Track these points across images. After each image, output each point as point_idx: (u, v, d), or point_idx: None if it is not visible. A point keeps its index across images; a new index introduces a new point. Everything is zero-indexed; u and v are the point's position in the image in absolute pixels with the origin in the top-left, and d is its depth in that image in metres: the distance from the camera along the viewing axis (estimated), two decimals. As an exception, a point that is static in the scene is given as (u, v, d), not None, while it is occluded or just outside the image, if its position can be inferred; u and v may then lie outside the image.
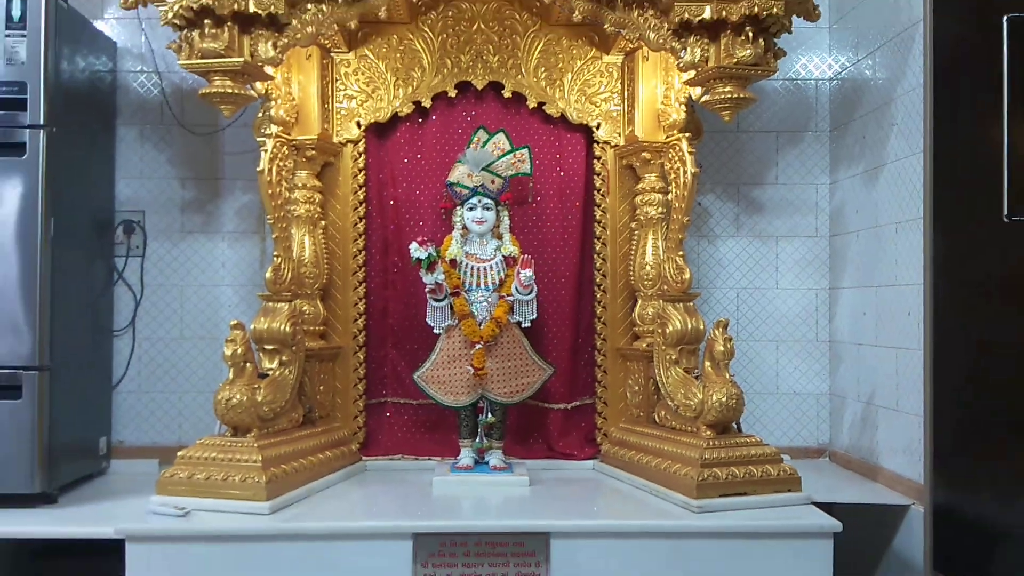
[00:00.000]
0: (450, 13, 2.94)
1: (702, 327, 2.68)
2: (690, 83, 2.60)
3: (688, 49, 2.44)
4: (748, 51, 2.38)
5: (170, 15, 2.35)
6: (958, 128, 2.30)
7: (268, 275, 2.62)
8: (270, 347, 2.61)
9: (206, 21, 2.34)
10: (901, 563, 2.56)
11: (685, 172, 2.69)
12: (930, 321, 2.40)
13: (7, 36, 2.50)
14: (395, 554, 2.22)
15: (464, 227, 2.72)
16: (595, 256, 3.03)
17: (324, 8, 2.46)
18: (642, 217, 2.92)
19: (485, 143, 2.72)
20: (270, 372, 2.58)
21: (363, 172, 3.00)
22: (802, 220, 3.23)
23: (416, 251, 2.58)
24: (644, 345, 2.84)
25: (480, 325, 2.65)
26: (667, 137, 2.82)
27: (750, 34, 2.37)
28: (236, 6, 2.32)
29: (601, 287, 3.02)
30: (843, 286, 3.11)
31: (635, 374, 2.91)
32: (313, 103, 2.85)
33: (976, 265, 2.19)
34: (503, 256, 2.70)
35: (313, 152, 2.86)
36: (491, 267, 2.69)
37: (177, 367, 3.14)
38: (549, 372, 2.75)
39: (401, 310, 2.99)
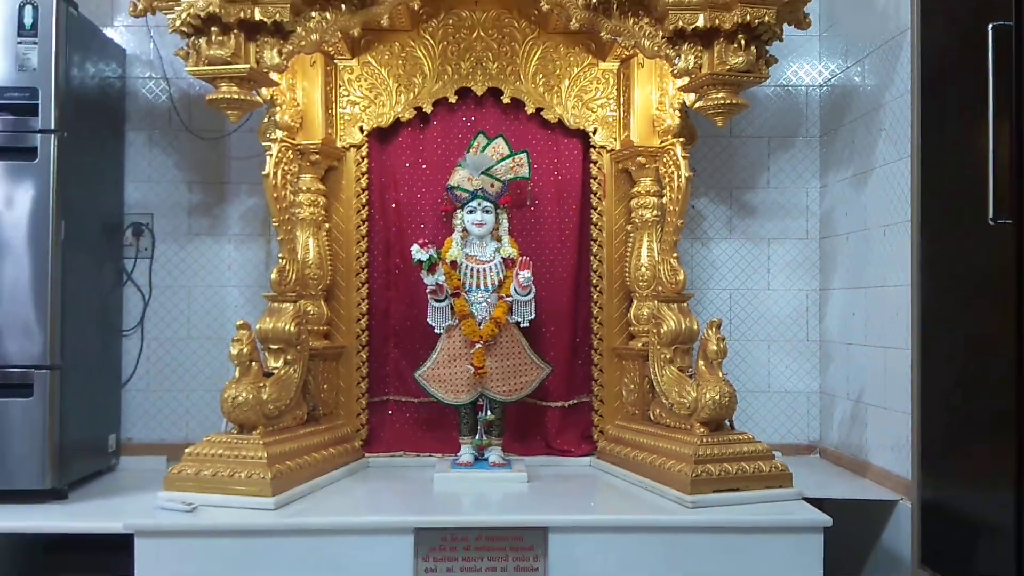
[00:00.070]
0: (451, 21, 2.95)
1: (696, 327, 2.68)
2: (684, 89, 2.60)
3: (682, 56, 2.44)
4: (740, 58, 2.39)
5: (178, 23, 2.36)
6: (945, 133, 2.30)
7: (273, 276, 2.62)
8: (275, 346, 2.61)
9: (213, 29, 2.34)
10: (889, 557, 2.56)
11: (679, 176, 2.69)
12: (917, 321, 2.40)
13: (19, 43, 2.50)
14: (397, 549, 2.22)
15: (464, 230, 2.73)
16: (592, 258, 3.03)
17: (328, 16, 2.46)
18: (637, 220, 2.92)
19: (485, 148, 2.73)
20: (275, 371, 2.58)
21: (366, 176, 3.00)
22: (793, 223, 3.23)
23: (417, 253, 2.59)
24: (639, 344, 2.84)
25: (480, 325, 2.65)
26: (662, 142, 2.82)
27: (742, 42, 2.38)
28: (242, 14, 2.32)
29: (597, 288, 3.02)
30: (833, 287, 3.11)
31: (631, 373, 2.91)
32: (317, 109, 2.85)
33: (962, 266, 2.19)
34: (502, 258, 2.71)
35: (317, 156, 2.86)
36: (490, 268, 2.70)
37: (184, 366, 3.14)
38: (547, 371, 2.75)
39: (403, 310, 2.99)
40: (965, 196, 2.12)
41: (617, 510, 2.41)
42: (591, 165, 3.02)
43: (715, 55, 2.40)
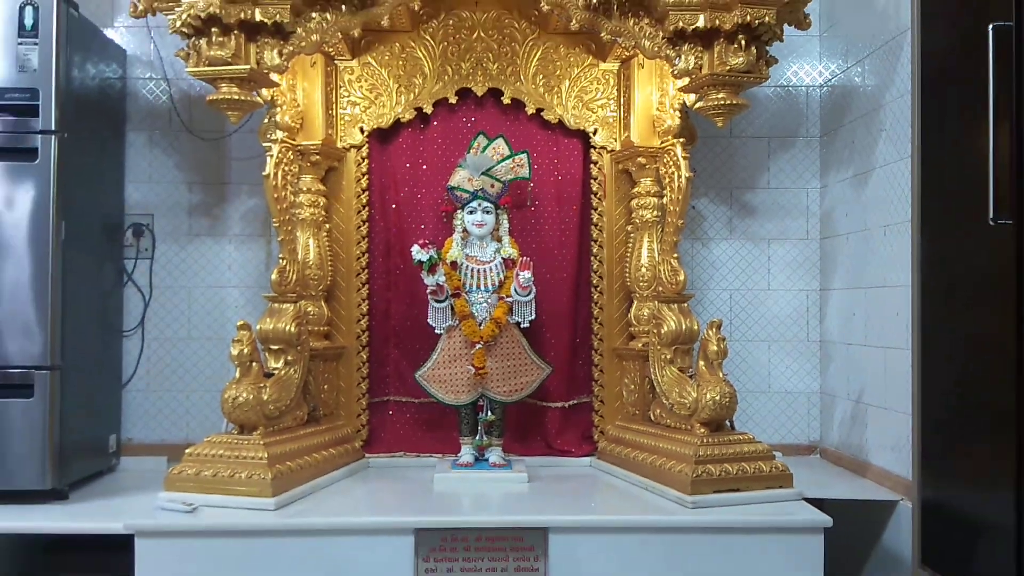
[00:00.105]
0: (451, 22, 2.95)
1: (696, 327, 2.68)
2: (684, 90, 2.60)
3: (682, 57, 2.44)
4: (741, 59, 2.38)
5: (178, 24, 2.35)
6: (945, 134, 2.30)
7: (274, 277, 2.62)
8: (276, 347, 2.61)
9: (213, 29, 2.34)
10: (890, 557, 2.56)
11: (679, 176, 2.69)
12: (918, 321, 2.40)
13: (20, 44, 2.50)
14: (397, 549, 2.22)
15: (464, 230, 2.73)
16: (592, 258, 3.03)
17: (328, 17, 2.46)
18: (638, 220, 2.92)
19: (485, 148, 2.73)
20: (276, 371, 2.58)
21: (366, 176, 3.00)
22: (793, 223, 3.23)
23: (418, 253, 2.58)
24: (640, 345, 2.84)
25: (480, 325, 2.65)
26: (662, 142, 2.82)
27: (743, 42, 2.38)
28: (243, 15, 2.32)
29: (598, 288, 3.02)
30: (833, 287, 3.11)
31: (631, 373, 2.91)
32: (318, 109, 2.85)
33: (962, 267, 2.19)
34: (502, 258, 2.71)
35: (318, 157, 2.86)
36: (491, 269, 2.69)
37: (185, 367, 3.14)
38: (547, 371, 2.75)
39: (403, 311, 2.99)
40: (965, 196, 2.12)
41: (618, 510, 2.40)
42: (591, 165, 3.02)
43: (715, 56, 2.40)
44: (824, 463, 3.08)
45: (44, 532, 2.43)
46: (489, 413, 2.69)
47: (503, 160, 2.72)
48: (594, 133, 2.97)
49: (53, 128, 2.51)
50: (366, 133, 2.96)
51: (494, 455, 2.71)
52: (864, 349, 2.83)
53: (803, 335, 3.22)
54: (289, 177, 2.74)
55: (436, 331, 2.70)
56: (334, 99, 2.94)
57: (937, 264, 2.31)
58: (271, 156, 2.64)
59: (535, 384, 2.73)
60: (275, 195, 2.62)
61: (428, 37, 2.95)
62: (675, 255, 2.72)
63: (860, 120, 2.88)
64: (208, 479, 2.35)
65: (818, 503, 2.39)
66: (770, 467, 2.45)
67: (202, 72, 2.41)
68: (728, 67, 2.39)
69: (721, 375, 2.52)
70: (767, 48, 2.48)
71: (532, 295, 2.66)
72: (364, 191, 2.99)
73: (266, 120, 2.74)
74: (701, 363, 2.56)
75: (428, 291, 2.65)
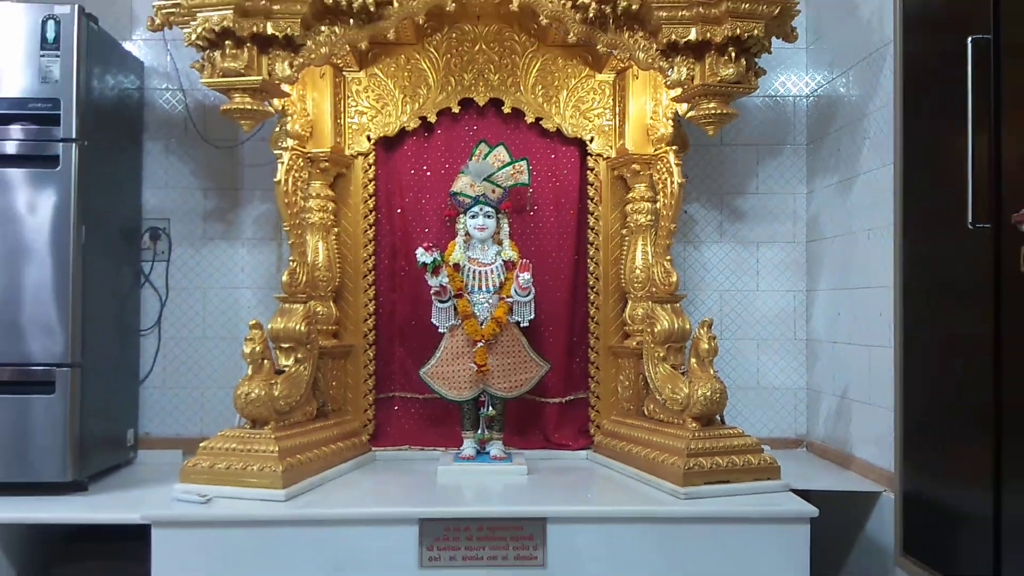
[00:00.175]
0: (454, 35, 2.95)
1: (688, 326, 2.68)
2: (677, 100, 2.60)
3: (675, 68, 2.44)
4: (731, 70, 2.39)
5: (194, 37, 2.36)
6: (926, 141, 2.30)
7: (284, 278, 2.62)
8: (286, 345, 2.61)
9: (227, 42, 2.34)
10: (873, 546, 2.56)
11: (672, 182, 2.69)
12: (900, 321, 2.40)
13: (42, 56, 2.51)
14: (402, 538, 2.22)
15: (467, 233, 2.73)
16: (588, 260, 3.03)
17: (337, 30, 2.47)
18: (632, 224, 2.92)
19: (486, 155, 2.73)
20: (286, 369, 2.58)
21: (373, 183, 3.00)
22: (781, 227, 3.23)
23: (422, 256, 2.59)
24: (634, 343, 2.84)
25: (481, 325, 2.65)
26: (655, 150, 2.82)
27: (733, 54, 2.38)
28: (255, 28, 2.33)
29: (594, 289, 3.02)
30: (819, 288, 3.11)
31: (626, 370, 2.91)
32: (326, 118, 2.86)
33: (943, 269, 2.19)
34: (503, 260, 2.71)
35: (326, 164, 2.86)
36: (492, 271, 2.70)
37: (199, 364, 3.14)
38: (546, 368, 2.75)
39: (408, 311, 2.99)
40: (945, 202, 2.12)
41: (613, 501, 2.40)
42: (588, 172, 3.02)
43: (706, 67, 2.41)
44: (810, 456, 3.08)
45: (65, 522, 2.44)
46: (490, 408, 2.70)
47: (504, 167, 2.73)
48: (591, 141, 2.98)
49: (74, 136, 2.51)
50: (373, 141, 2.96)
51: (495, 448, 2.71)
52: (849, 347, 2.83)
53: (790, 334, 3.22)
54: (299, 183, 2.75)
55: (439, 330, 2.70)
56: (342, 109, 2.94)
57: (918, 266, 2.32)
58: (282, 163, 2.64)
59: (534, 381, 2.73)
60: (286, 200, 2.62)
61: (432, 49, 2.95)
62: (668, 257, 2.72)
63: (845, 128, 2.89)
64: (222, 472, 2.35)
65: (804, 494, 2.39)
66: (758, 460, 2.45)
67: (216, 83, 2.42)
68: (719, 78, 2.39)
69: (712, 372, 2.52)
70: (756, 60, 2.48)
71: (531, 296, 2.67)
72: (371, 196, 3.00)
73: (277, 129, 2.74)
74: (693, 360, 2.56)
75: (432, 292, 2.65)
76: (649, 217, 2.88)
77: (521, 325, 2.70)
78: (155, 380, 3.12)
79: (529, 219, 2.99)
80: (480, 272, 2.69)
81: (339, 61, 2.86)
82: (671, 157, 2.70)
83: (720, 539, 2.24)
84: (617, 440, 2.79)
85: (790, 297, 3.22)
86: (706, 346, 2.52)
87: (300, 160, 2.75)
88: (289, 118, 2.71)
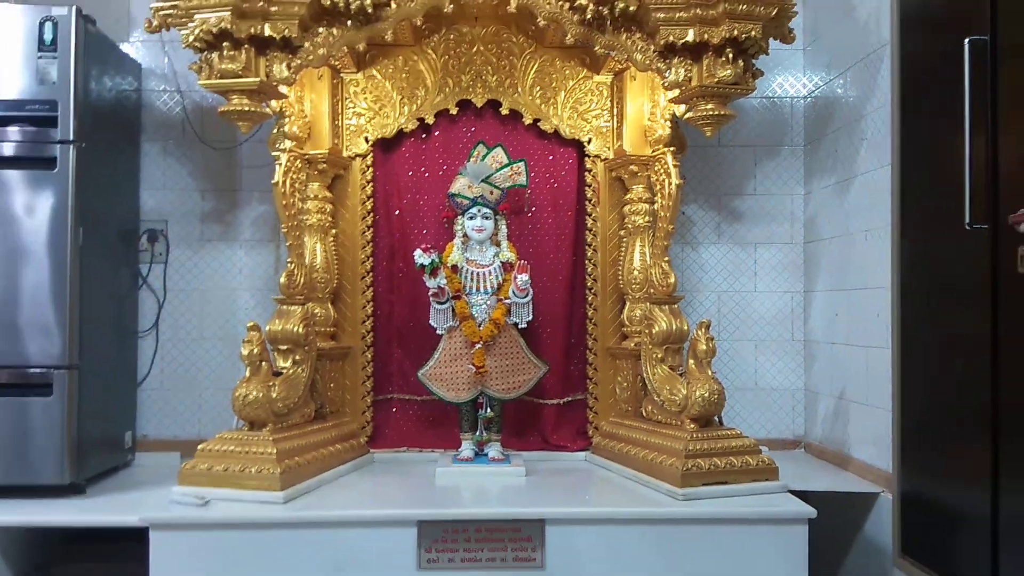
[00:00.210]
0: (451, 36, 2.94)
1: (686, 327, 2.67)
2: (674, 101, 2.60)
3: (673, 69, 2.44)
4: (728, 71, 2.39)
5: (191, 38, 2.35)
6: (923, 142, 2.30)
7: (282, 280, 2.61)
8: (284, 347, 2.60)
9: (225, 44, 2.34)
10: (871, 547, 2.56)
11: (670, 184, 2.69)
12: (897, 322, 2.40)
13: (40, 58, 2.50)
14: (401, 540, 2.22)
15: (465, 235, 2.72)
16: (587, 262, 3.02)
17: (334, 32, 2.46)
18: (630, 225, 2.92)
19: (484, 157, 2.73)
20: (284, 370, 2.57)
21: (371, 184, 2.99)
22: (778, 228, 3.23)
23: (420, 257, 2.58)
24: (632, 344, 2.84)
25: (480, 326, 2.65)
26: (653, 151, 2.82)
27: (730, 55, 2.38)
28: (253, 30, 2.32)
29: (592, 290, 3.02)
30: (817, 289, 3.11)
31: (624, 371, 2.91)
32: (324, 120, 2.85)
33: (940, 270, 2.19)
34: (501, 262, 2.71)
35: (324, 166, 2.85)
36: (490, 272, 2.69)
37: (197, 366, 3.13)
38: (544, 370, 2.75)
39: (406, 312, 2.98)
40: (943, 202, 2.12)
41: (611, 503, 2.40)
42: (586, 173, 3.02)
43: (704, 68, 2.40)
44: (808, 457, 3.08)
45: (63, 525, 2.43)
46: (488, 410, 2.69)
47: (501, 168, 2.72)
48: (588, 142, 2.97)
49: (71, 138, 2.51)
50: (370, 142, 2.95)
51: (493, 450, 2.71)
52: (846, 348, 2.83)
53: (788, 335, 3.22)
54: (297, 185, 2.74)
55: (437, 332, 2.70)
56: (340, 110, 2.93)
57: (916, 267, 2.32)
58: (280, 165, 2.63)
59: (532, 382, 2.73)
60: (284, 202, 2.61)
61: (430, 51, 2.95)
62: (666, 258, 2.71)
63: (842, 130, 2.88)
64: (220, 474, 2.34)
65: (802, 495, 2.39)
66: (756, 461, 2.45)
67: (214, 84, 2.41)
68: (716, 79, 2.39)
69: (710, 373, 2.52)
70: (753, 61, 2.48)
71: (529, 297, 2.66)
72: (369, 198, 2.99)
73: (275, 130, 2.74)
74: (691, 362, 2.56)
75: (430, 293, 2.64)
76: (647, 218, 2.88)
77: (519, 326, 2.69)
78: (153, 382, 3.11)
79: (527, 220, 2.98)
80: (478, 273, 2.69)
81: (337, 63, 2.86)
82: (669, 158, 2.70)
83: (718, 540, 2.24)
84: (615, 441, 2.78)
85: (788, 298, 3.22)
86: (704, 347, 2.52)
87: (298, 162, 2.74)
88: (287, 120, 2.71)
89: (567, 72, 2.97)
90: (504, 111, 2.94)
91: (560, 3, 2.46)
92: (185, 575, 2.18)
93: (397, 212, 3.00)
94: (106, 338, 2.80)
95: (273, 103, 2.60)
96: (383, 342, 3.01)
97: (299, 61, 2.42)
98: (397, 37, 2.80)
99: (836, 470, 2.81)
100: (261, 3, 2.31)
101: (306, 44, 2.42)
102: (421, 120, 2.94)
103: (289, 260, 2.65)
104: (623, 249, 2.96)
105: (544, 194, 3.00)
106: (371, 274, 3.00)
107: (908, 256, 2.35)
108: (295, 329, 2.57)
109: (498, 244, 2.74)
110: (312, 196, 2.86)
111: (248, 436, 2.41)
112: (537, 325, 2.89)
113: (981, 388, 1.95)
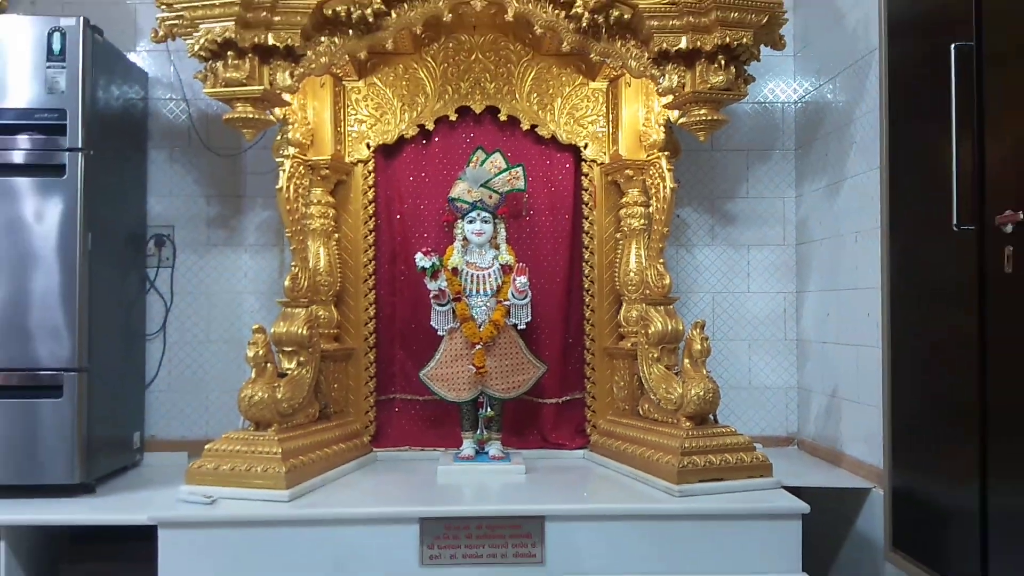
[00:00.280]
0: (451, 44, 2.95)
1: (681, 328, 2.68)
2: (668, 106, 2.61)
3: (666, 76, 2.44)
4: (721, 77, 2.39)
5: (196, 47, 2.36)
6: (911, 146, 2.30)
7: (286, 283, 2.62)
8: (289, 349, 2.60)
9: (229, 53, 2.34)
10: (863, 541, 2.56)
11: (665, 187, 2.69)
12: (887, 321, 2.41)
13: (48, 68, 2.51)
14: (403, 537, 2.22)
15: (464, 238, 2.73)
16: (584, 264, 3.03)
17: (336, 41, 2.47)
18: (626, 228, 2.92)
19: (483, 162, 2.73)
20: (289, 372, 2.57)
21: (372, 189, 3.00)
22: (771, 230, 3.23)
23: (421, 260, 2.59)
24: (629, 344, 2.84)
25: (480, 327, 2.65)
26: (648, 156, 2.83)
27: (722, 62, 2.39)
28: (257, 39, 2.33)
29: (589, 292, 3.02)
30: (808, 290, 3.12)
31: (621, 371, 2.91)
32: (327, 127, 2.86)
33: (928, 270, 2.19)
34: (500, 264, 2.71)
35: (327, 171, 2.86)
36: (489, 275, 2.69)
37: (204, 368, 3.14)
38: (543, 369, 2.75)
39: (407, 314, 2.99)
40: (930, 205, 2.12)
41: (609, 499, 2.40)
42: (582, 177, 3.02)
43: (697, 74, 2.41)
44: (801, 454, 3.08)
45: (73, 524, 2.43)
46: (488, 409, 2.69)
47: (500, 173, 2.72)
48: (585, 147, 2.98)
49: (80, 146, 2.51)
50: (372, 149, 2.96)
51: (493, 448, 2.71)
52: (837, 347, 2.83)
53: (781, 334, 3.22)
54: (300, 190, 2.74)
55: (438, 333, 2.70)
56: (342, 117, 2.94)
57: (905, 268, 2.32)
58: (284, 171, 2.63)
59: (531, 382, 2.73)
60: (287, 207, 2.62)
61: (429, 59, 2.95)
62: (661, 260, 2.72)
63: (832, 134, 2.89)
64: (226, 473, 2.35)
65: (796, 491, 2.39)
66: (751, 458, 2.45)
67: (219, 93, 2.42)
68: (709, 85, 2.39)
69: (705, 372, 2.52)
70: (745, 67, 2.49)
71: (528, 299, 2.66)
72: (371, 203, 2.99)
73: (279, 137, 2.74)
74: (686, 361, 2.56)
75: (431, 295, 2.65)
76: (642, 221, 2.88)
77: (518, 327, 2.70)
78: (160, 384, 3.11)
79: (525, 224, 2.99)
80: (478, 276, 2.69)
81: (339, 71, 2.86)
82: (663, 162, 2.70)
83: (714, 535, 2.24)
84: (613, 439, 2.78)
85: (780, 298, 3.23)
86: (699, 347, 2.52)
87: (301, 168, 2.75)
88: (290, 127, 2.71)
89: (563, 79, 2.98)
90: (502, 117, 2.95)
91: (556, 12, 2.46)
92: (193, 572, 2.18)
93: (398, 216, 3.00)
94: (115, 341, 2.80)
95: (277, 110, 2.61)
96: (385, 343, 3.02)
97: (302, 69, 2.43)
98: (397, 46, 2.80)
99: (829, 467, 2.82)
100: (264, 13, 2.32)
101: (309, 53, 2.43)
102: (421, 126, 2.95)
103: (293, 264, 2.65)
104: (619, 251, 2.96)
105: (542, 198, 3.00)
106: (373, 277, 3.00)
107: (897, 257, 2.36)
108: (299, 331, 2.57)
109: (497, 247, 2.74)
110: (315, 201, 2.86)
111: (254, 436, 2.42)
112: (536, 326, 2.89)
113: (969, 387, 1.95)
